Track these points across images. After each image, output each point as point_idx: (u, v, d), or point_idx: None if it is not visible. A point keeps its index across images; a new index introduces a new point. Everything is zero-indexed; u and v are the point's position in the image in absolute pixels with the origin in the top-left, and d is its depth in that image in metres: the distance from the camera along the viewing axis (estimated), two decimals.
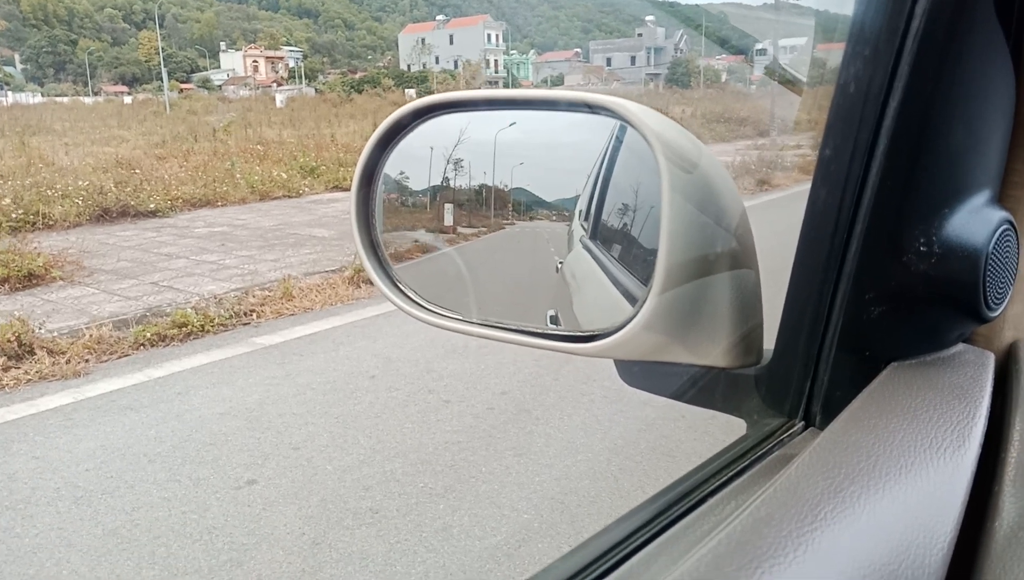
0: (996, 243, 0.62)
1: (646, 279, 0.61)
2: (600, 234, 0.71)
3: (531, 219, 0.74)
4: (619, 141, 0.69)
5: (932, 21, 0.58)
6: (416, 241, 0.82)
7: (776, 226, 1.84)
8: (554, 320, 0.74)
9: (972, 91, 0.61)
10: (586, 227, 0.73)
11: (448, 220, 0.80)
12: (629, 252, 0.68)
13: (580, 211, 0.72)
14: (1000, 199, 0.68)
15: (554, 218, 0.73)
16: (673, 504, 0.59)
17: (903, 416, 0.55)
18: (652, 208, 0.63)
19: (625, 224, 0.70)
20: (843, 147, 0.63)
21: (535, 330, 0.71)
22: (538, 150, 0.78)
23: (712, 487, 0.61)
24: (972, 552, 0.51)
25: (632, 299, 0.65)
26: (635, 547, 0.54)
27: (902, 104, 0.60)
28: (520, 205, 0.75)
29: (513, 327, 0.73)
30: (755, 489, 0.59)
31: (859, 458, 0.50)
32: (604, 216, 0.71)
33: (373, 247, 0.80)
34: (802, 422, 0.70)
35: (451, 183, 0.79)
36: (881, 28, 0.60)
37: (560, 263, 0.74)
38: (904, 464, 0.50)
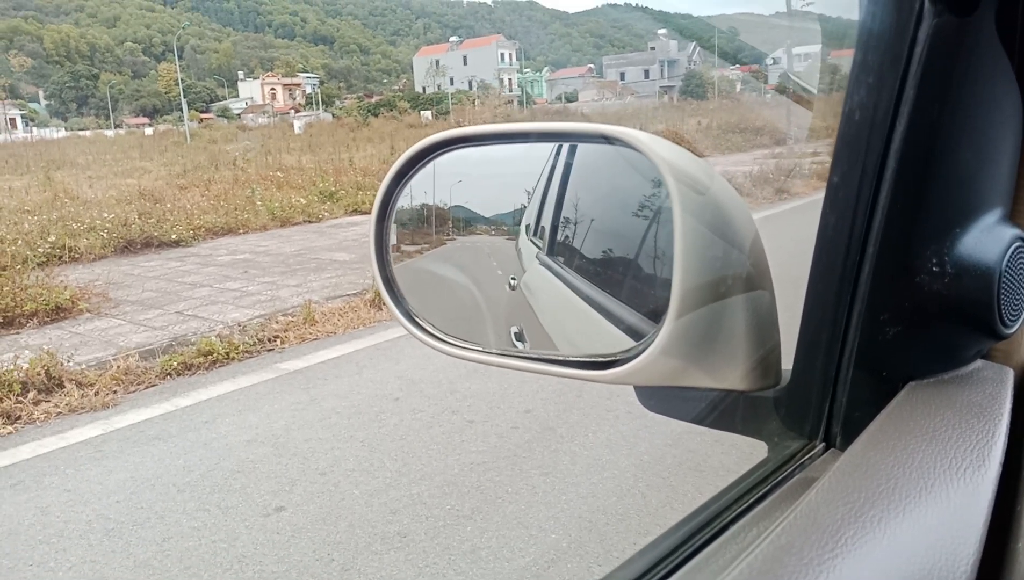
0: (1009, 260, 0.62)
1: (625, 294, 0.63)
2: (560, 250, 0.72)
3: (471, 234, 0.78)
4: (570, 158, 0.71)
5: (936, 45, 0.58)
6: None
7: (796, 234, 1.84)
8: (519, 336, 0.75)
9: (979, 112, 0.62)
10: (540, 244, 0.73)
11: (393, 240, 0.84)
12: (609, 269, 0.69)
13: (528, 226, 0.73)
14: (1012, 217, 0.67)
15: (493, 233, 0.76)
16: (696, 532, 0.59)
17: (922, 436, 0.55)
18: (637, 227, 0.65)
19: (597, 242, 0.71)
20: (851, 172, 0.64)
21: (553, 358, 0.72)
22: (477, 168, 0.80)
23: (735, 513, 0.61)
24: (996, 574, 0.51)
25: (607, 311, 0.66)
26: (659, 578, 0.55)
27: (909, 127, 0.60)
28: (460, 221, 0.78)
29: (532, 355, 0.74)
30: (777, 514, 0.59)
31: (879, 481, 0.50)
32: (566, 234, 0.72)
33: (389, 282, 0.82)
34: (823, 443, 0.69)
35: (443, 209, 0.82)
36: (885, 53, 0.61)
37: (513, 279, 0.75)
38: (924, 486, 0.50)
